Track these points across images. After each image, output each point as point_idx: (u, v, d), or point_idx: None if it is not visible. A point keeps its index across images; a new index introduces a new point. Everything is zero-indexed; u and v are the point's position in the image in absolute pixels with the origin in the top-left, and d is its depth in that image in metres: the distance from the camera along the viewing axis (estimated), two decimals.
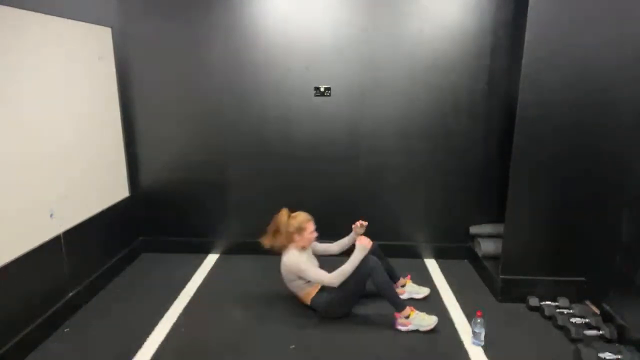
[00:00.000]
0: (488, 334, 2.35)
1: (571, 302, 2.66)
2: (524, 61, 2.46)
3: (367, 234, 2.74)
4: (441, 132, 3.17)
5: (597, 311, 2.56)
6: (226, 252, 3.50)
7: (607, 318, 2.46)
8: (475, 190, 3.27)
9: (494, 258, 3.05)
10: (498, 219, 3.02)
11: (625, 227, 2.37)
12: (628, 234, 2.35)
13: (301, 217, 2.61)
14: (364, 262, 2.43)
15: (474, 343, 2.34)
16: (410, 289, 2.81)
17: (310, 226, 2.61)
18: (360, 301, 2.65)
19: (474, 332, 2.34)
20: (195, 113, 3.25)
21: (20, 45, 2.21)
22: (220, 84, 3.18)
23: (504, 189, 2.70)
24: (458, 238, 3.38)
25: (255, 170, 3.32)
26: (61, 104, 2.52)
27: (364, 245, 2.44)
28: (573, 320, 2.46)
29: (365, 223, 2.72)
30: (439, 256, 3.42)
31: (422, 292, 2.81)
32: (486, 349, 2.31)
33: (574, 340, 2.34)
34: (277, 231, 2.62)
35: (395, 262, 2.79)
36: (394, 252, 3.02)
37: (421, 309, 2.50)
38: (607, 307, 2.49)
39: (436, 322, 2.45)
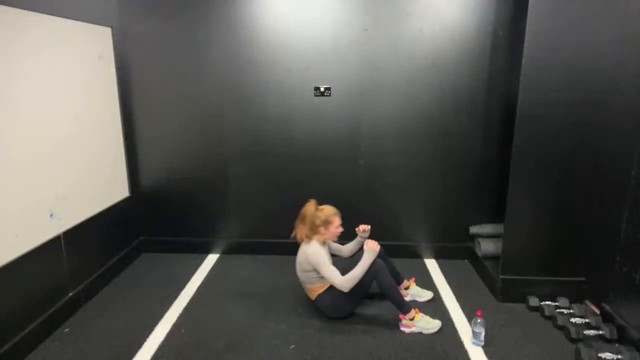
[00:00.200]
0: (488, 334, 2.36)
1: (571, 302, 2.66)
2: (524, 61, 2.46)
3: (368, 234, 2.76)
4: (441, 132, 3.17)
5: (597, 311, 2.56)
6: (226, 252, 3.50)
7: (607, 318, 2.46)
8: (475, 190, 3.28)
9: (494, 258, 3.05)
10: (498, 219, 3.02)
11: (625, 227, 2.37)
12: (628, 234, 2.35)
13: (329, 210, 2.56)
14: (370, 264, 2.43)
15: (474, 343, 2.34)
16: (414, 292, 2.80)
17: (337, 220, 2.58)
18: (362, 302, 2.65)
19: (474, 332, 2.34)
20: (196, 113, 3.25)
21: (20, 45, 2.21)
22: (220, 83, 3.18)
23: (504, 189, 2.70)
24: (458, 238, 3.38)
25: (255, 170, 3.33)
26: (61, 103, 2.53)
27: (372, 248, 2.44)
28: (573, 320, 2.46)
29: (368, 227, 2.71)
30: (439, 256, 3.42)
31: (426, 295, 2.80)
32: (486, 349, 2.31)
33: (574, 340, 2.34)
34: (302, 222, 2.58)
35: (396, 262, 2.79)
36: (394, 252, 3.02)
37: (422, 310, 2.51)
38: (607, 307, 2.49)
39: (440, 325, 2.46)
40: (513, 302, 2.76)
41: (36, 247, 2.33)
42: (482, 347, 2.32)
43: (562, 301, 2.66)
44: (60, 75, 2.52)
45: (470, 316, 2.58)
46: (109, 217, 3.03)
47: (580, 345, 2.20)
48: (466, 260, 3.40)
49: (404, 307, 2.44)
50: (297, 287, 2.76)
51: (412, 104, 3.14)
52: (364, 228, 2.71)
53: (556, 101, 2.49)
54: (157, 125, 3.28)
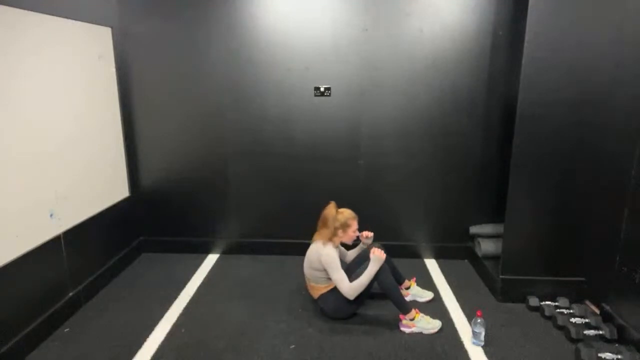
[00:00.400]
0: (488, 334, 2.36)
1: (571, 302, 2.66)
2: (524, 61, 2.46)
3: None
4: (441, 132, 3.17)
5: (597, 311, 2.56)
6: (226, 252, 3.50)
7: (607, 318, 2.46)
8: (475, 190, 3.28)
9: (494, 258, 3.05)
10: (498, 219, 3.02)
11: (625, 227, 2.37)
12: (628, 234, 2.35)
13: (347, 213, 2.57)
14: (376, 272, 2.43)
15: (474, 343, 2.34)
16: (414, 292, 2.80)
17: (355, 224, 2.57)
18: (365, 302, 2.65)
19: (474, 332, 2.34)
20: (196, 113, 3.25)
21: (20, 45, 2.21)
22: (220, 83, 3.18)
23: (504, 189, 2.70)
24: (458, 238, 3.38)
25: (255, 170, 3.32)
26: (61, 103, 2.53)
27: (378, 257, 2.43)
28: (573, 320, 2.46)
29: (371, 234, 2.71)
30: (439, 256, 3.42)
31: (426, 295, 2.80)
32: (486, 349, 2.31)
33: (574, 340, 2.34)
34: (324, 225, 2.57)
35: (396, 262, 2.79)
36: (394, 252, 3.01)
37: (422, 310, 2.51)
38: (607, 307, 2.49)
39: (440, 326, 2.46)
40: (513, 302, 2.76)
41: (36, 247, 2.33)
42: (482, 347, 2.32)
43: (562, 301, 2.66)
44: (60, 75, 2.52)
45: (470, 316, 2.58)
46: (109, 217, 3.03)
47: (580, 345, 2.20)
48: (466, 260, 3.40)
49: (405, 307, 2.44)
50: (298, 287, 2.76)
51: (412, 104, 3.14)
52: (367, 234, 2.70)
53: (556, 101, 2.49)
54: (157, 125, 3.28)
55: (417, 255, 3.43)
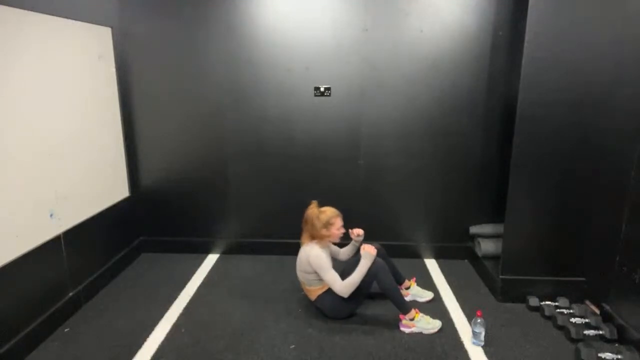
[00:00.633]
0: (488, 334, 2.36)
1: (571, 302, 2.66)
2: (524, 61, 2.46)
3: (368, 234, 2.75)
4: (441, 132, 3.17)
5: (597, 311, 2.56)
6: (226, 252, 3.50)
7: (607, 318, 2.46)
8: (475, 190, 3.28)
9: (494, 258, 3.05)
10: (498, 219, 3.02)
11: (625, 227, 2.37)
12: (628, 234, 2.35)
13: (330, 211, 2.55)
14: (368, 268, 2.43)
15: (474, 343, 2.34)
16: (414, 292, 2.80)
17: (339, 222, 2.56)
18: (363, 302, 2.64)
19: (474, 332, 2.34)
20: (195, 113, 3.25)
21: (20, 45, 2.21)
22: (220, 83, 3.18)
23: (504, 189, 2.70)
24: (458, 238, 3.38)
25: (255, 170, 3.32)
26: (61, 103, 2.52)
27: (369, 253, 2.43)
28: (573, 320, 2.46)
29: (361, 231, 2.71)
30: (439, 256, 3.42)
31: (426, 295, 2.80)
32: (486, 349, 2.31)
33: (574, 340, 2.34)
34: (307, 225, 2.57)
35: (396, 262, 2.79)
36: (394, 252, 3.01)
37: (422, 310, 2.51)
38: (607, 307, 2.49)
39: (440, 326, 2.46)
40: (513, 302, 2.76)
41: (36, 247, 2.33)
42: (482, 347, 2.32)
43: (562, 301, 2.66)
44: (60, 75, 2.52)
45: (470, 316, 2.58)
46: (109, 217, 3.03)
47: (580, 345, 2.20)
48: (466, 260, 3.40)
49: (404, 307, 2.44)
50: (297, 287, 2.76)
51: (412, 104, 3.14)
52: (357, 232, 2.70)
53: (556, 101, 2.49)
54: (157, 125, 3.28)
55: (417, 255, 3.43)
